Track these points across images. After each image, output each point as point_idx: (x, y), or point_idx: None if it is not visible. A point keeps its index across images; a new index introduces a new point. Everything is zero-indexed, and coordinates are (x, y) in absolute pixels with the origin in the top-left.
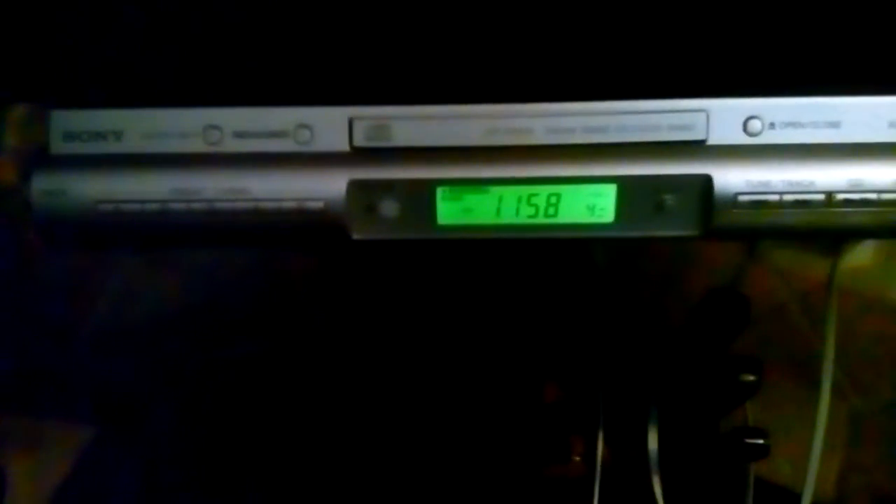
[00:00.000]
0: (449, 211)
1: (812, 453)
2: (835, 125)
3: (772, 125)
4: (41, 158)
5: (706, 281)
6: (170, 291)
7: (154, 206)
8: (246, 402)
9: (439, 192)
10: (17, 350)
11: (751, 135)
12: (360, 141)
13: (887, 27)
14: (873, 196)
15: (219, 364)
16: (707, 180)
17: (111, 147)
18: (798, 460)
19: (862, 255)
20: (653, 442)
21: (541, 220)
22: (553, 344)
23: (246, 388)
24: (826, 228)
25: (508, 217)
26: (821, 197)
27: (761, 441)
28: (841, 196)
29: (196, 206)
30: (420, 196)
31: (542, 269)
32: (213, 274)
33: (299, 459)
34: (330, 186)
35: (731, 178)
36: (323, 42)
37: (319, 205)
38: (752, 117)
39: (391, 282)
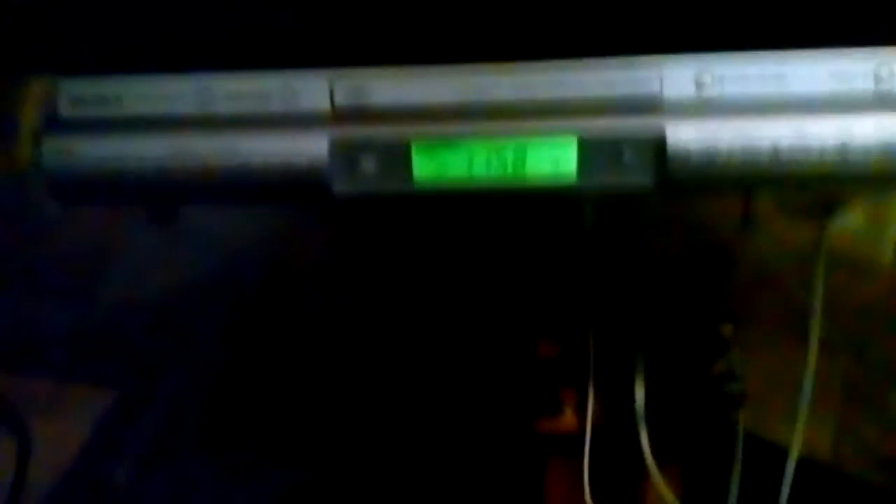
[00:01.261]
0: (424, 166)
1: (799, 410)
2: (780, 79)
3: (720, 81)
4: (51, 123)
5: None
6: (183, 263)
7: (152, 166)
8: (257, 363)
9: (414, 148)
10: (37, 314)
11: (701, 91)
12: (339, 102)
13: None
14: (817, 147)
15: (234, 330)
16: (661, 135)
17: (114, 111)
18: (793, 420)
19: (853, 219)
20: (640, 395)
21: (509, 175)
22: (545, 301)
23: (257, 349)
24: (775, 179)
25: (479, 172)
26: (767, 149)
27: (739, 388)
28: (786, 148)
29: (190, 165)
30: (397, 152)
31: (534, 229)
32: (226, 246)
33: (297, 419)
34: (312, 145)
35: (683, 133)
36: (304, 9)
37: (303, 163)
38: (701, 73)
39: (388, 243)
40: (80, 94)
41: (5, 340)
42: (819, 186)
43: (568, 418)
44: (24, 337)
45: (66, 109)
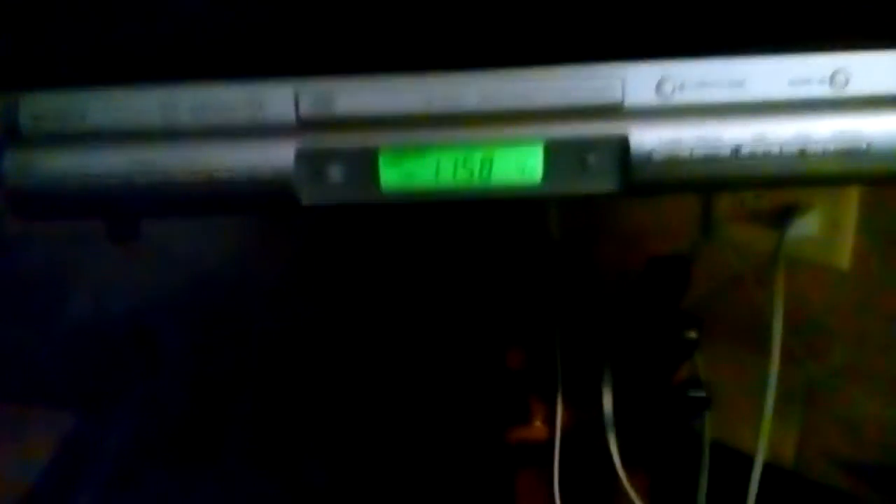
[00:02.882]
0: (391, 175)
1: (763, 416)
2: (739, 84)
3: (682, 86)
4: (11, 138)
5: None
6: (146, 277)
7: (116, 179)
8: (220, 381)
9: (381, 157)
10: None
11: (663, 96)
12: (305, 112)
13: None
14: (776, 149)
15: (197, 347)
16: (624, 139)
17: (76, 125)
18: (757, 427)
19: (810, 225)
20: (608, 402)
21: (476, 181)
22: (513, 311)
23: (220, 366)
24: (735, 181)
25: (446, 179)
26: (728, 151)
27: (703, 393)
28: (746, 150)
29: (155, 177)
30: (363, 162)
31: (502, 241)
32: (187, 261)
33: (264, 434)
34: (279, 156)
35: (645, 137)
36: (268, 19)
37: (269, 173)
38: (663, 79)
39: (355, 254)
40: (41, 108)
41: None
42: (779, 187)
43: (537, 427)
44: None
45: (26, 124)
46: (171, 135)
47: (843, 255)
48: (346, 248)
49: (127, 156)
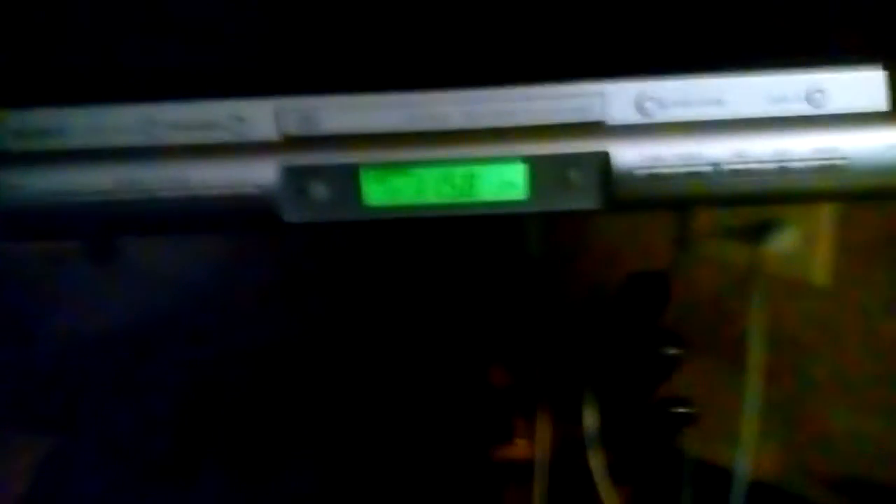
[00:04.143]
0: (374, 192)
1: (744, 433)
2: (718, 102)
3: (662, 104)
4: None
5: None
6: (126, 297)
7: (99, 197)
8: (205, 398)
9: (364, 174)
10: None
11: (643, 114)
12: (288, 129)
13: (764, 10)
14: (756, 166)
15: (175, 368)
16: (605, 156)
17: (57, 143)
18: (738, 443)
19: (786, 241)
20: (590, 420)
21: (459, 198)
22: (496, 330)
23: (204, 384)
24: (715, 197)
25: (430, 196)
26: (708, 168)
27: (687, 409)
28: (726, 166)
29: (138, 195)
30: (347, 179)
31: (482, 259)
32: (176, 282)
33: (248, 452)
34: (262, 173)
35: (626, 154)
36: (251, 36)
37: (253, 191)
38: (643, 98)
39: (338, 272)
40: (21, 126)
41: None
42: (759, 204)
43: (521, 445)
44: None
45: (7, 142)
46: (154, 152)
47: (821, 270)
48: (328, 266)
49: (109, 174)
